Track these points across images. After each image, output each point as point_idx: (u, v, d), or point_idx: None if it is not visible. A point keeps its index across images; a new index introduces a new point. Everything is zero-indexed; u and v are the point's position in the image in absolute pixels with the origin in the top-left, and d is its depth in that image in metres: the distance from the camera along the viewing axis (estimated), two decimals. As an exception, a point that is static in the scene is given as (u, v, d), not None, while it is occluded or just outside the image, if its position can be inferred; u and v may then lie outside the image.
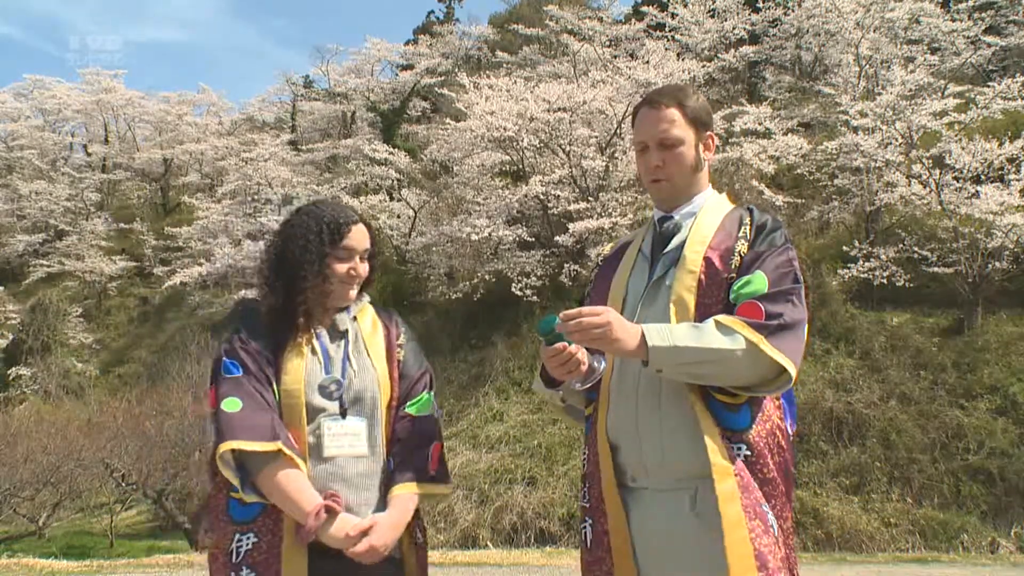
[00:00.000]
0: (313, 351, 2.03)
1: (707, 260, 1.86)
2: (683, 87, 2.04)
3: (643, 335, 1.69)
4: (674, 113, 1.93)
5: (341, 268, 2.05)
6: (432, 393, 2.19)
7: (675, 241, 1.94)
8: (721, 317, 1.75)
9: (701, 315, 1.81)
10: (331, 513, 1.88)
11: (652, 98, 1.99)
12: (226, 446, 1.87)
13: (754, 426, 1.80)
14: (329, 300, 2.07)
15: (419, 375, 2.17)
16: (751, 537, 1.68)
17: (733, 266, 1.85)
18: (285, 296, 2.04)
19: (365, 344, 2.11)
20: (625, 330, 1.69)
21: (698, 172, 1.98)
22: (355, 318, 2.14)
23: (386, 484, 2.03)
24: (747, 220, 1.92)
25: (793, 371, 1.72)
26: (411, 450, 2.07)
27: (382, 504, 2.00)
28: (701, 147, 1.97)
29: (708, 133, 2.00)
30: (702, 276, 1.84)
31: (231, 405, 1.91)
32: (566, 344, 1.73)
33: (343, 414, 1.99)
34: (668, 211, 1.99)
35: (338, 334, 2.10)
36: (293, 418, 1.95)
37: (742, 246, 1.87)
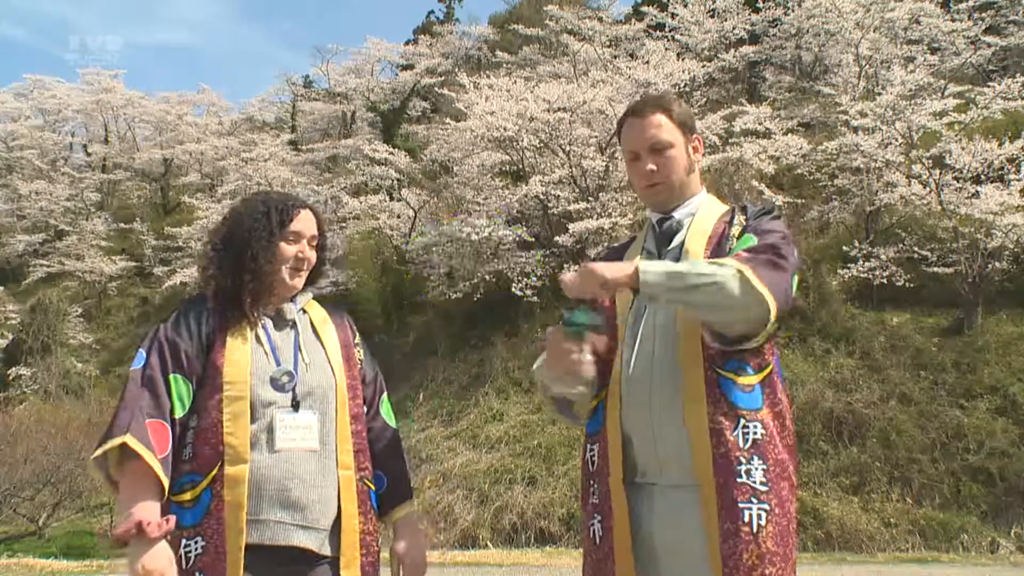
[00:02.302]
0: (258, 340, 1.98)
1: (708, 250, 1.91)
2: (665, 95, 2.11)
3: (636, 266, 1.74)
4: (661, 118, 1.97)
5: (288, 251, 2.02)
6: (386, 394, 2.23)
7: (677, 239, 1.97)
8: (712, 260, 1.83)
9: None
10: (144, 537, 1.74)
11: (636, 107, 2.02)
12: (97, 452, 1.81)
13: (765, 407, 1.83)
14: (275, 286, 2.02)
15: (375, 376, 2.19)
16: (719, 541, 1.74)
17: (728, 249, 1.89)
18: (231, 278, 1.99)
19: (319, 337, 2.07)
20: (613, 265, 1.76)
21: (691, 174, 2.02)
22: (303, 310, 2.10)
23: (346, 486, 1.97)
24: (739, 210, 1.98)
25: (772, 304, 1.72)
26: (401, 466, 2.16)
27: (335, 506, 1.95)
28: (690, 149, 2.01)
29: (695, 136, 2.04)
30: None
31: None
32: (582, 342, 1.78)
33: (295, 407, 1.94)
34: (666, 213, 2.02)
35: (284, 323, 2.05)
36: (236, 409, 1.89)
37: (736, 231, 1.92)
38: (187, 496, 1.85)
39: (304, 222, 2.06)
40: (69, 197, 28.65)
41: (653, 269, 1.73)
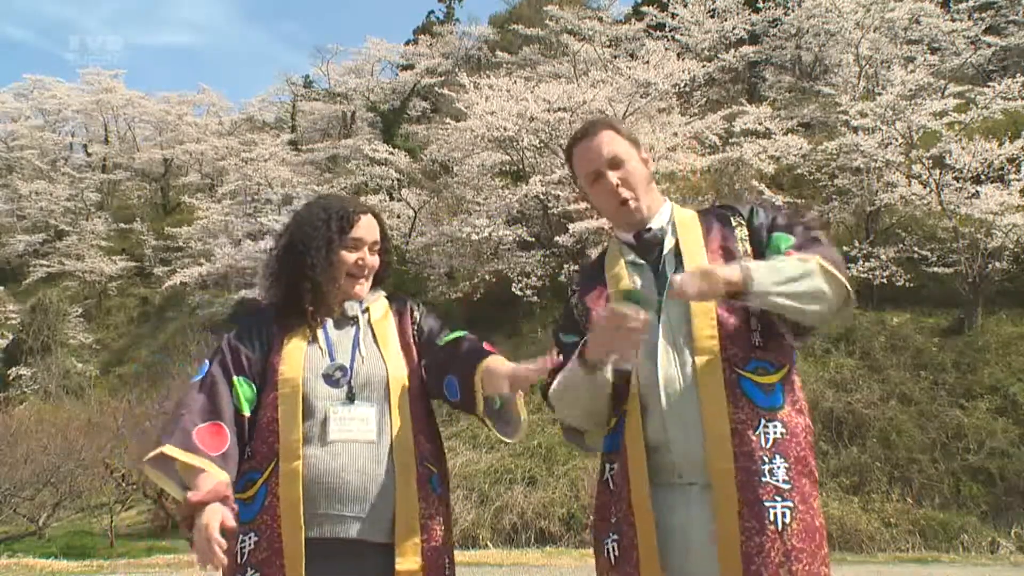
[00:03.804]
0: (315, 339, 1.99)
1: (711, 253, 1.89)
2: (606, 116, 2.10)
3: (744, 266, 1.75)
4: (611, 134, 1.97)
5: (349, 257, 2.02)
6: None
7: (667, 246, 1.94)
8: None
9: (723, 308, 1.83)
10: (194, 505, 1.79)
11: (583, 131, 2.01)
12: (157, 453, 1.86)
13: (786, 405, 1.83)
14: (337, 292, 2.03)
15: (442, 325, 2.17)
16: (741, 539, 1.72)
17: (742, 251, 1.89)
18: (290, 286, 2.01)
19: (374, 331, 2.07)
20: (723, 267, 1.77)
21: (650, 184, 2.00)
22: (367, 309, 2.11)
23: (403, 472, 1.94)
24: (731, 212, 1.97)
25: (848, 286, 1.80)
26: (471, 347, 2.07)
27: (392, 494, 1.92)
28: (643, 160, 2.01)
29: (643, 149, 2.04)
30: None
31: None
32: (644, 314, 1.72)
33: (351, 399, 1.95)
34: (641, 228, 1.98)
35: (346, 321, 2.06)
36: (290, 406, 1.91)
37: (742, 233, 1.92)
38: (247, 493, 1.90)
39: (366, 228, 2.07)
40: (69, 197, 28.68)
41: (758, 266, 1.74)
